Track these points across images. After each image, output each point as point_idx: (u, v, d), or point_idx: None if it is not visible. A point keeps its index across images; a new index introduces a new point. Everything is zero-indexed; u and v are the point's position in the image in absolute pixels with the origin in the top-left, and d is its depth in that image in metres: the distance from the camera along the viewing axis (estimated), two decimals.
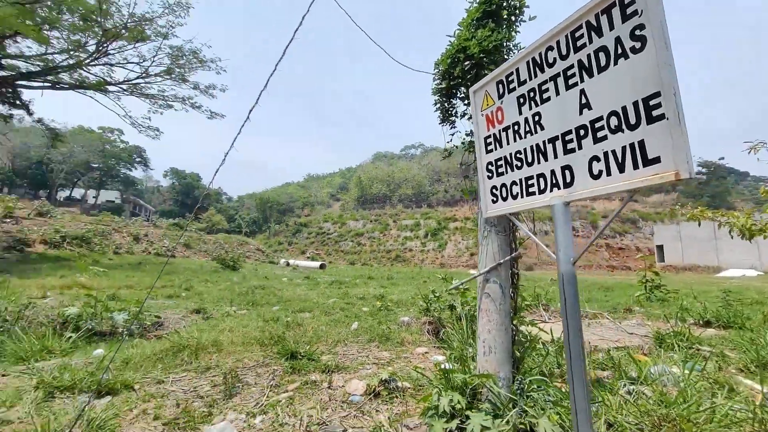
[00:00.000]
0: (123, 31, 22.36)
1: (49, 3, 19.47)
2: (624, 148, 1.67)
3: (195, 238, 38.84)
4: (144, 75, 24.89)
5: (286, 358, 4.83)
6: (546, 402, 2.42)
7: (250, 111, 2.65)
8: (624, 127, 1.67)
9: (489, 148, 2.34)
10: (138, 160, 74.35)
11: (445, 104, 3.23)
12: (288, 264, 37.03)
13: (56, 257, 23.70)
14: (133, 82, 25.09)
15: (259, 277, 19.35)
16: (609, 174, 1.71)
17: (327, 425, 3.29)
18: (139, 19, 23.00)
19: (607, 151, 1.73)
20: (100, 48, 22.68)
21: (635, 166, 1.62)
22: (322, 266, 35.07)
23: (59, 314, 6.60)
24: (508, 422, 2.26)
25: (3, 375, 4.48)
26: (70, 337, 5.92)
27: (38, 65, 22.98)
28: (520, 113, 2.16)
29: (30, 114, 26.97)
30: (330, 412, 3.54)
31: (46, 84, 23.99)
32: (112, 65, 24.12)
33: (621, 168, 1.68)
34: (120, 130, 68.79)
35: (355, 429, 3.14)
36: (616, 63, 1.71)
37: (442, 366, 3.11)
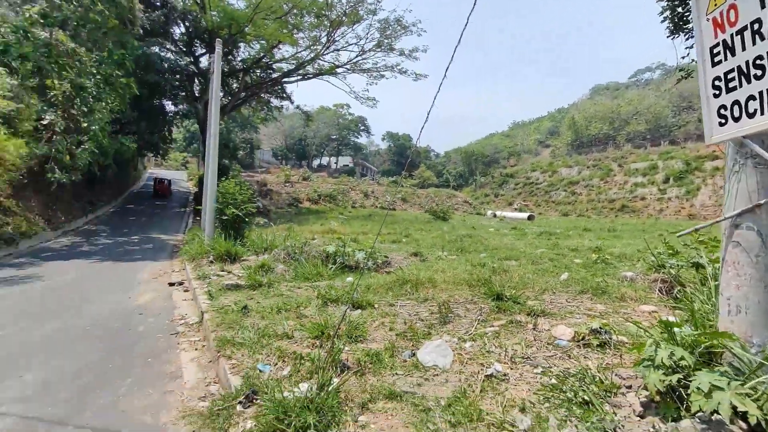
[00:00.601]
0: (344, 17, 26.11)
1: (295, 11, 24.55)
2: None
3: (410, 193, 43.67)
4: (361, 53, 28.65)
5: (492, 298, 5.17)
6: None
7: (447, 68, 2.89)
8: None
9: (716, 59, 1.79)
10: (362, 128, 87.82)
11: (677, 8, 2.57)
12: (495, 215, 37.16)
13: (316, 210, 31.49)
14: (354, 60, 29.28)
15: (466, 227, 20.37)
16: None
17: (531, 360, 3.48)
18: (354, 3, 26.24)
19: None
20: (329, 38, 27.29)
21: None
22: (530, 217, 33.61)
23: (323, 251, 8.99)
24: (754, 388, 1.88)
25: (298, 288, 6.61)
26: (331, 267, 8.06)
27: (293, 63, 29.81)
28: (763, 5, 1.59)
29: (292, 103, 35.72)
30: (534, 350, 3.70)
31: (298, 78, 30.95)
32: (338, 50, 28.78)
33: None
34: (348, 104, 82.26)
35: (560, 368, 3.21)
36: None
37: (667, 320, 2.75)
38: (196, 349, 4.65)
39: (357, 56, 29.07)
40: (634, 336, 3.66)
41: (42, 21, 13.77)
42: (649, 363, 2.30)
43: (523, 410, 2.65)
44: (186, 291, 7.65)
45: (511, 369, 3.31)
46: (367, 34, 27.74)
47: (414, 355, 3.62)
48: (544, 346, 3.78)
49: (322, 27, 26.81)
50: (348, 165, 78.37)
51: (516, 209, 46.35)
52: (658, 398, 2.33)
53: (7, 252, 11.47)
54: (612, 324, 4.08)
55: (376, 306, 5.20)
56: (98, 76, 15.11)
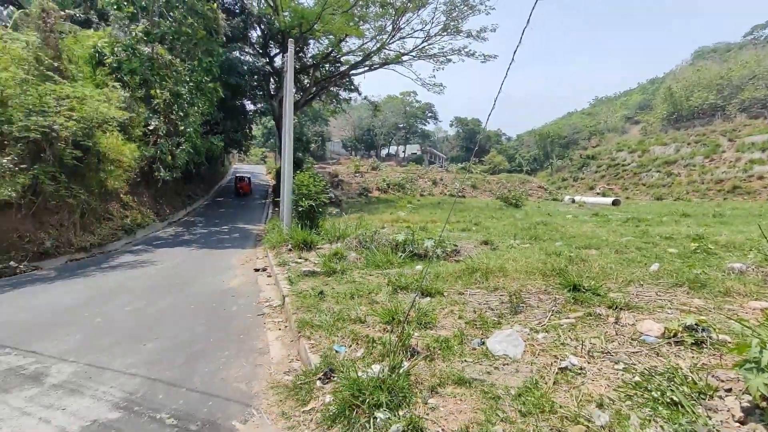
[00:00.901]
0: (408, 3, 25.81)
1: (360, 3, 24.84)
2: None
3: (480, 179, 42.35)
4: (427, 38, 28.13)
5: (568, 289, 4.92)
6: None
7: (515, 52, 2.78)
8: None
9: None
10: (429, 115, 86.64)
11: None
12: (573, 201, 34.60)
13: (385, 199, 32.01)
14: (420, 47, 28.89)
15: (541, 214, 19.30)
16: None
17: (611, 355, 3.28)
18: None
19: None
20: (394, 26, 27.19)
21: None
22: (614, 202, 30.73)
23: (393, 239, 9.19)
24: None
25: (370, 275, 6.88)
26: (401, 255, 8.22)
27: (359, 55, 30.31)
28: None
29: (359, 94, 36.45)
30: (616, 345, 3.48)
31: (365, 69, 31.42)
32: (403, 38, 28.60)
33: None
34: (414, 92, 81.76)
35: (645, 366, 2.99)
36: None
37: None
38: (279, 329, 5.12)
39: (422, 42, 28.64)
40: (739, 335, 3.26)
41: (145, 38, 15.70)
42: (753, 365, 2.07)
43: (600, 406, 2.54)
44: (269, 276, 8.37)
45: (588, 363, 3.16)
46: (432, 18, 27.16)
47: (483, 343, 3.61)
48: (627, 341, 3.53)
49: (387, 16, 26.79)
50: (416, 153, 78.12)
51: (598, 194, 42.60)
52: (763, 404, 2.09)
53: (127, 240, 13.51)
54: (711, 321, 3.66)
55: (445, 294, 5.25)
56: (191, 84, 16.88)
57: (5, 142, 9.82)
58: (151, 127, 15.58)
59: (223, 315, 5.86)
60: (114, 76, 14.70)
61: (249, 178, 33.23)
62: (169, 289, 7.42)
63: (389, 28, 27.56)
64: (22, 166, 9.74)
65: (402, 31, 27.97)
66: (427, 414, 2.62)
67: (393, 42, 28.63)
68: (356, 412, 2.69)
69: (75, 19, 16.98)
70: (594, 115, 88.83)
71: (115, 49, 15.03)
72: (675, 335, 3.40)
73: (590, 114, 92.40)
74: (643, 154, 49.28)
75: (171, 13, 16.56)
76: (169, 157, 15.92)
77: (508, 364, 3.24)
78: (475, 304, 4.75)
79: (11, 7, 17.94)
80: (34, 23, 12.47)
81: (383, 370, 3.03)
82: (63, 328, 5.26)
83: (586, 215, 18.70)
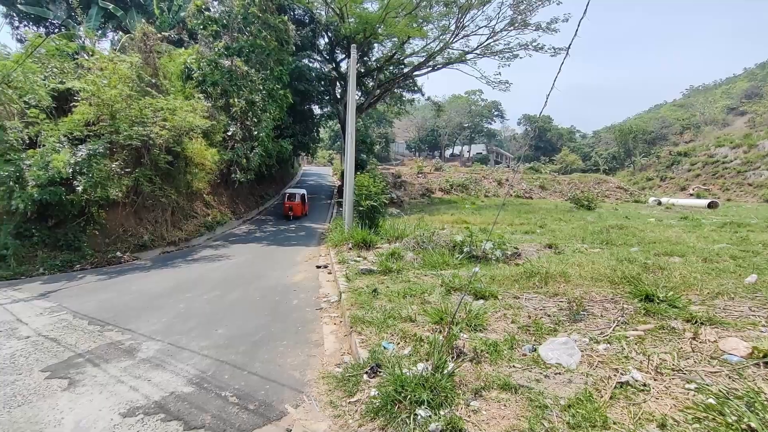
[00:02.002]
0: (473, 0, 25.17)
1: (423, 3, 24.80)
2: None
3: (549, 180, 39.95)
4: (492, 35, 27.18)
5: (639, 299, 4.51)
6: None
7: (569, 46, 2.63)
8: None
9: None
10: (496, 113, 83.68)
11: None
12: (659, 203, 31.20)
13: (448, 200, 31.58)
14: (485, 44, 28.00)
15: (617, 217, 17.71)
16: None
17: (684, 373, 2.96)
18: None
19: None
20: (458, 24, 26.68)
21: None
22: (711, 205, 27.14)
23: (451, 240, 9.09)
24: None
25: (425, 275, 6.89)
26: (458, 256, 8.11)
27: (423, 56, 30.22)
28: None
29: (423, 95, 36.38)
30: (691, 362, 3.14)
31: (428, 69, 31.25)
32: (467, 36, 27.93)
33: None
34: (480, 90, 79.46)
35: (723, 387, 2.66)
36: None
37: None
38: (334, 324, 5.36)
39: (488, 39, 27.69)
40: None
41: (225, 52, 17.25)
42: None
43: (662, 426, 2.33)
44: (329, 273, 8.75)
45: (655, 380, 2.90)
46: (498, 13, 26.13)
47: (535, 350, 3.47)
48: (706, 359, 3.17)
49: (451, 15, 26.37)
50: (481, 153, 76.03)
51: (691, 195, 37.91)
52: None
53: (209, 236, 14.95)
54: None
55: (499, 297, 5.10)
56: (264, 91, 18.19)
57: (114, 150, 11.42)
58: (229, 133, 17.06)
59: (284, 308, 6.27)
60: (199, 88, 16.35)
61: (303, 195, 23.16)
62: (240, 282, 8.10)
63: (453, 27, 27.09)
64: (126, 169, 11.26)
65: (466, 29, 27.31)
66: (468, 416, 2.60)
67: (457, 41, 28.08)
68: (398, 407, 2.75)
69: (170, 39, 19.17)
70: (687, 106, 79.22)
71: (201, 64, 16.71)
72: (765, 356, 2.98)
73: (683, 106, 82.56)
74: (750, 149, 42.84)
75: (248, 29, 17.99)
76: (244, 160, 17.30)
77: (560, 374, 3.07)
78: (531, 309, 4.56)
79: (120, 33, 20.79)
80: (136, 45, 14.33)
81: (427, 368, 3.06)
82: (154, 311, 6.02)
83: (673, 219, 16.78)
